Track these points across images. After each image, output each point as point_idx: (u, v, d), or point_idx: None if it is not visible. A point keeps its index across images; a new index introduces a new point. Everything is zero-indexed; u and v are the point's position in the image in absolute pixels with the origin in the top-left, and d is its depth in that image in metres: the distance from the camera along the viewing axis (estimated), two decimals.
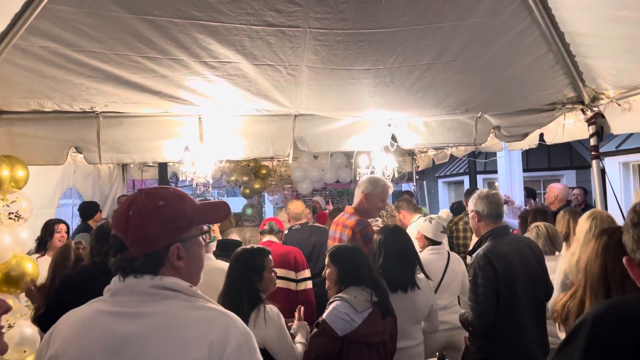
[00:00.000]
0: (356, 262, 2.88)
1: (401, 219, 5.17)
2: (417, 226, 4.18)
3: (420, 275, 3.24)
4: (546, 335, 3.11)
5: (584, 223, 3.25)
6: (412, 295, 3.12)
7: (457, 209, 6.21)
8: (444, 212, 5.64)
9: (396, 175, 5.29)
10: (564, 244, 4.12)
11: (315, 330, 2.77)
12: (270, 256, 2.87)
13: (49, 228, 4.41)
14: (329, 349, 2.67)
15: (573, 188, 7.66)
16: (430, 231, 3.95)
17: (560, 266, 3.35)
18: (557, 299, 2.47)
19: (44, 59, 3.20)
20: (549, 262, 3.51)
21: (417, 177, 8.44)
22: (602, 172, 4.51)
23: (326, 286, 3.01)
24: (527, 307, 2.99)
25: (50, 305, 3.01)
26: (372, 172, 5.13)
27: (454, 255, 4.03)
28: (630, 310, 1.04)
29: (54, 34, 3.03)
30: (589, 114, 4.30)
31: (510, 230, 3.35)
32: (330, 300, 2.80)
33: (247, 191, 8.24)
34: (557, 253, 3.79)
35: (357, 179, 5.58)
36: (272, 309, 2.65)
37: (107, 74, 3.40)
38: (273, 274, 2.84)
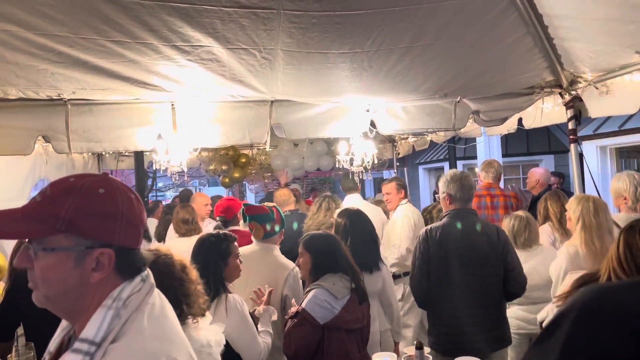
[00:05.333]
0: (332, 249, 2.84)
1: (396, 198, 5.15)
2: None
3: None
4: (496, 324, 3.22)
5: (577, 207, 3.28)
6: (376, 276, 3.23)
7: None
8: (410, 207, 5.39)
9: (376, 162, 5.25)
10: (549, 226, 4.18)
11: (294, 320, 2.72)
12: (236, 243, 2.81)
13: None
14: (310, 339, 2.63)
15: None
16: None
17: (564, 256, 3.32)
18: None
19: (5, 43, 3.04)
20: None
21: (397, 163, 8.41)
22: (580, 156, 4.53)
23: (300, 275, 2.96)
24: (465, 288, 3.12)
25: (3, 308, 2.87)
26: (351, 159, 5.08)
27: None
28: (626, 300, 0.82)
29: (14, 16, 2.86)
30: (567, 97, 4.30)
31: (474, 214, 3.36)
32: (308, 289, 2.76)
33: (227, 180, 8.13)
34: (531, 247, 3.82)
35: (337, 166, 5.54)
36: (234, 297, 2.58)
37: (73, 58, 3.25)
38: (238, 261, 2.77)
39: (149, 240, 1.30)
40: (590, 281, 2.16)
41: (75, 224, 1.07)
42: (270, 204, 3.49)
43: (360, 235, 3.26)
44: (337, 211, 4.72)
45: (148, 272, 1.21)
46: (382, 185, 5.47)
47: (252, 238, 3.40)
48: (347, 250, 2.94)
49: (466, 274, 3.13)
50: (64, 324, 1.22)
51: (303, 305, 2.69)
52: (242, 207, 3.57)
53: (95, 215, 1.09)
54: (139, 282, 1.15)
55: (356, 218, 3.41)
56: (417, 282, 3.23)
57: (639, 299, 0.82)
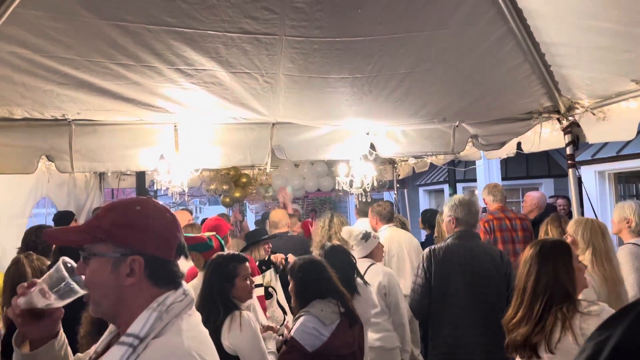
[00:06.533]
0: (315, 275, 2.84)
1: (372, 225, 5.13)
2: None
3: (359, 281, 3.32)
4: (500, 347, 3.17)
5: (584, 230, 3.34)
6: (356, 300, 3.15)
7: (430, 216, 6.17)
8: (395, 232, 5.01)
9: (375, 184, 5.28)
10: None
11: (283, 348, 2.74)
12: (246, 264, 2.82)
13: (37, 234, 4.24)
14: None
15: (557, 197, 7.77)
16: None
17: None
18: None
19: (12, 65, 3.11)
20: None
21: (397, 185, 8.44)
22: (579, 181, 4.56)
23: (292, 302, 2.97)
24: (469, 307, 3.17)
25: (12, 327, 2.87)
26: (351, 181, 5.12)
27: (375, 267, 3.94)
28: None
29: (23, 39, 2.94)
30: (565, 123, 4.34)
31: (476, 237, 3.43)
32: (297, 316, 2.76)
33: (228, 200, 8.15)
34: None
35: (337, 187, 5.56)
36: (248, 314, 2.61)
37: (78, 80, 3.32)
38: (248, 281, 2.78)
39: (186, 256, 1.32)
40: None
41: (112, 233, 1.27)
42: (210, 233, 3.50)
43: (336, 263, 3.28)
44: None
45: (190, 289, 1.37)
46: None
47: (196, 268, 3.38)
48: (333, 274, 2.93)
49: (470, 293, 3.19)
50: (111, 328, 1.39)
51: (292, 332, 2.71)
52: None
53: (128, 227, 1.28)
54: (182, 294, 1.31)
55: (332, 250, 3.42)
56: (418, 299, 3.30)
57: None
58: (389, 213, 4.98)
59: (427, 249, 3.40)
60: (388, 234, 4.88)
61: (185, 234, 3.57)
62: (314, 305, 2.74)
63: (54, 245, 3.79)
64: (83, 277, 1.32)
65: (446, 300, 3.22)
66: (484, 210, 8.17)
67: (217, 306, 2.58)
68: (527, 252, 2.36)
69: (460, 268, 3.22)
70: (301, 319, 2.71)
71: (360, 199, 5.28)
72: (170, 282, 1.32)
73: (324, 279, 2.84)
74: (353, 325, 2.78)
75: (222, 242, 3.48)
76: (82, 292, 1.34)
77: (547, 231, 4.35)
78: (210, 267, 2.78)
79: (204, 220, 7.20)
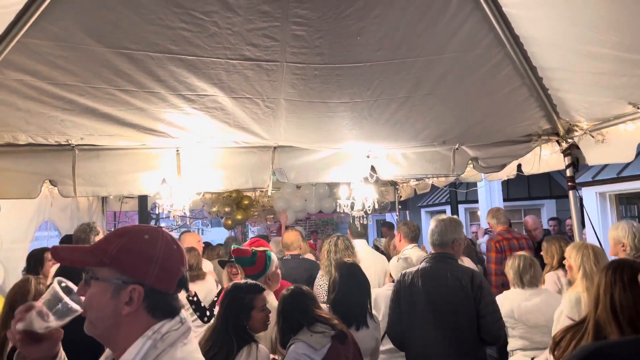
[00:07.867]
0: (295, 308, 2.82)
1: (396, 242, 5.15)
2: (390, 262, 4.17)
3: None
4: None
5: (577, 255, 3.31)
6: (361, 334, 3.11)
7: None
8: (414, 253, 4.84)
9: (376, 207, 5.29)
10: (554, 273, 4.20)
11: None
12: (263, 294, 2.80)
13: (36, 257, 4.26)
14: None
15: (559, 220, 7.88)
16: (395, 272, 3.96)
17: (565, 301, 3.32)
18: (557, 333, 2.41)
19: (18, 91, 3.16)
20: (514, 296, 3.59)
21: (399, 206, 8.45)
22: (580, 201, 4.57)
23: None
24: (437, 333, 3.13)
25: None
26: (352, 203, 5.13)
27: None
28: (618, 356, 0.96)
29: (28, 67, 3.00)
30: (564, 145, 4.37)
31: (449, 258, 3.34)
32: (289, 344, 2.75)
33: (229, 222, 8.16)
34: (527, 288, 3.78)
35: (338, 210, 5.57)
36: (264, 349, 2.60)
37: (82, 106, 3.37)
38: (264, 312, 2.76)
39: (187, 290, 1.33)
40: (575, 328, 2.20)
41: (117, 260, 1.27)
42: (261, 249, 3.44)
43: (349, 289, 3.23)
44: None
45: (187, 316, 1.37)
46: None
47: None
48: (316, 306, 2.90)
49: (438, 319, 3.13)
50: (107, 352, 1.39)
51: None
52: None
53: (134, 255, 1.29)
54: (178, 322, 1.32)
55: (348, 271, 3.39)
56: (391, 325, 3.33)
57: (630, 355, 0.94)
58: (413, 233, 5.00)
59: (399, 274, 3.39)
60: (409, 253, 4.90)
61: (237, 247, 3.53)
62: (304, 332, 2.72)
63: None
64: (82, 297, 1.32)
65: (415, 328, 3.18)
66: (486, 231, 8.20)
67: (231, 338, 2.57)
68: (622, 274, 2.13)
69: (427, 296, 3.16)
70: (292, 346, 2.69)
71: (361, 222, 5.27)
72: (167, 315, 1.32)
73: (299, 310, 2.81)
74: (344, 341, 2.74)
75: (269, 258, 3.39)
76: (80, 309, 1.34)
77: (552, 253, 4.41)
78: (225, 298, 2.76)
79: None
